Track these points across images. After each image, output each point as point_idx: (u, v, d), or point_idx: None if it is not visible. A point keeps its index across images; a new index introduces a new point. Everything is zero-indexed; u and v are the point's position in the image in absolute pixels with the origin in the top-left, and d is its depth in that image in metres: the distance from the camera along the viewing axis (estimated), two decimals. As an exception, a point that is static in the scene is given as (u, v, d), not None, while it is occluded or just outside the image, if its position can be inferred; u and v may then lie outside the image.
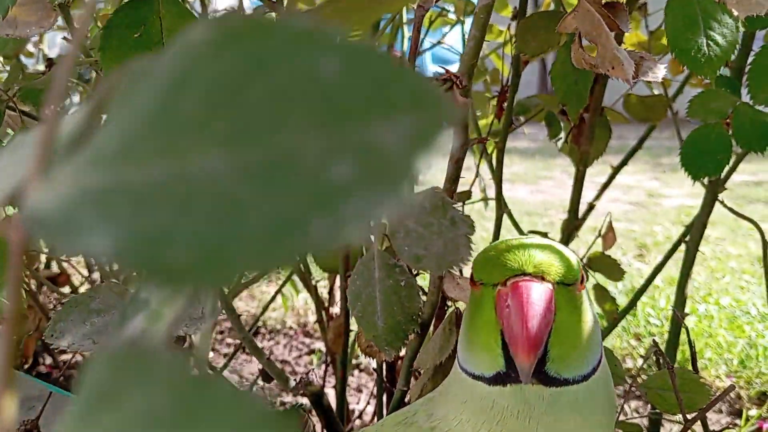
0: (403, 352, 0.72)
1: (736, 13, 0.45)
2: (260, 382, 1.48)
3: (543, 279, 0.40)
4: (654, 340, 0.58)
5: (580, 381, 0.42)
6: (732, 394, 1.47)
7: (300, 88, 0.12)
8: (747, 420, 1.37)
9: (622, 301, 1.53)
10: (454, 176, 0.53)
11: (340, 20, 0.28)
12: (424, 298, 0.45)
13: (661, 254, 2.51)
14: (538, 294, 0.40)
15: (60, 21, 0.59)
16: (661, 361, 0.61)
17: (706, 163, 0.71)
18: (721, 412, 1.43)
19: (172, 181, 0.12)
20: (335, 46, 0.12)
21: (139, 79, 0.14)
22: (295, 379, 0.76)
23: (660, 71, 0.45)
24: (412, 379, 0.67)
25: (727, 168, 0.86)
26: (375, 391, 0.96)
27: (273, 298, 1.22)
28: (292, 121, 0.11)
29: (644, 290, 0.87)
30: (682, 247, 0.87)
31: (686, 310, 1.02)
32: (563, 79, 0.65)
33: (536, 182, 4.30)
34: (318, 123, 0.11)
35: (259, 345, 1.74)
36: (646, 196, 3.80)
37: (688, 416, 0.57)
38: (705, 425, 0.69)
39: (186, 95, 0.13)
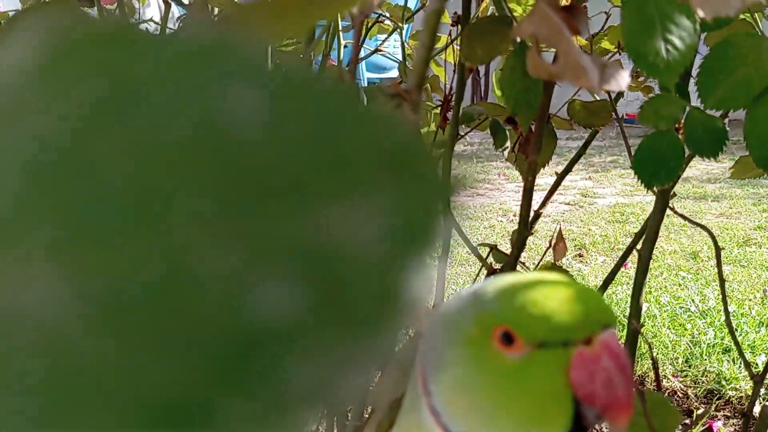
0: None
1: (701, 14, 0.42)
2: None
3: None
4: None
5: None
6: (680, 393, 1.48)
7: (188, 156, 0.06)
8: (696, 420, 1.38)
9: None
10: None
11: (268, 28, 0.23)
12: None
13: (599, 254, 2.54)
14: (625, 351, 0.35)
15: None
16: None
17: (659, 170, 0.69)
18: (669, 412, 1.44)
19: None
20: (257, 74, 0.07)
21: None
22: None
23: (624, 79, 0.41)
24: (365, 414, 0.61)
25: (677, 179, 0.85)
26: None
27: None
28: (177, 230, 0.06)
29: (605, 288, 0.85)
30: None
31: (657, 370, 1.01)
32: (512, 86, 0.61)
33: (473, 185, 4.32)
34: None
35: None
36: (580, 196, 3.88)
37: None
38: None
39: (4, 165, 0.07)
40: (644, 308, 1.96)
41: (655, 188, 0.74)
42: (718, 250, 0.77)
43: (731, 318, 0.77)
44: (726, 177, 4.27)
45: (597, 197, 3.83)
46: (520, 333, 0.34)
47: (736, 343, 0.73)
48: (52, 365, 0.06)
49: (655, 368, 0.60)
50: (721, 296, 0.80)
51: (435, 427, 0.38)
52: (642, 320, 1.78)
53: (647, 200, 3.72)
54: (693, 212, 3.26)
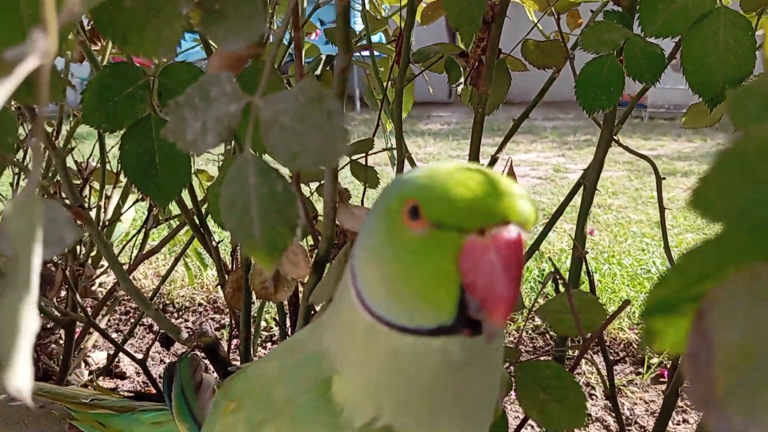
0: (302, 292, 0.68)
1: None
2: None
3: (523, 229, 0.35)
4: (553, 264, 0.57)
5: None
6: (634, 345, 1.53)
7: None
8: (649, 368, 1.42)
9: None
10: (339, 90, 0.50)
11: None
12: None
13: (567, 222, 2.58)
14: (519, 247, 0.34)
15: None
16: (559, 283, 0.60)
17: (600, 95, 0.71)
18: (625, 362, 1.48)
19: None
20: None
21: None
22: (188, 331, 0.71)
23: None
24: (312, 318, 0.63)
25: (624, 114, 0.88)
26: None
27: (174, 265, 1.16)
28: None
29: (548, 230, 0.87)
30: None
31: (591, 270, 1.04)
32: (455, 2, 0.63)
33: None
34: None
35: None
36: (552, 171, 3.92)
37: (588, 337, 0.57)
38: (604, 350, 0.70)
39: None
40: (605, 268, 2.00)
41: (598, 114, 0.76)
42: (658, 178, 0.79)
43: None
44: (696, 155, 4.35)
45: (569, 172, 3.88)
46: (424, 209, 0.35)
47: (672, 263, 0.76)
48: None
49: (590, 278, 0.62)
50: (661, 227, 0.83)
51: (359, 306, 0.40)
52: (602, 277, 1.82)
53: (617, 174, 3.77)
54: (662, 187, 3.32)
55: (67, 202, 0.70)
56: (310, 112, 0.37)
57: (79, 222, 0.64)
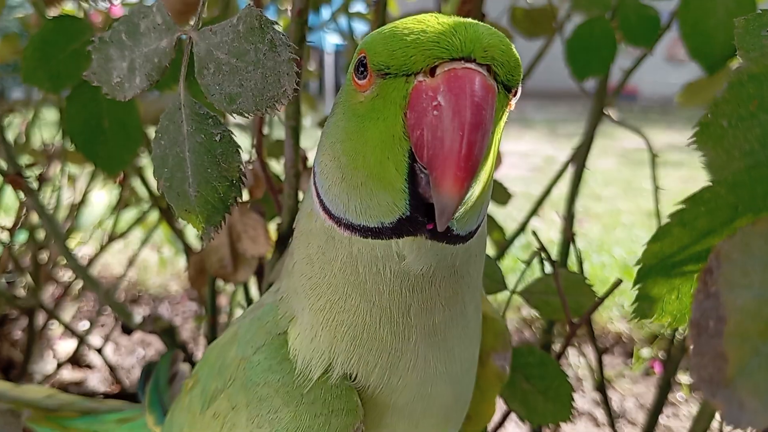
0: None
1: None
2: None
3: (489, 71, 0.27)
4: (539, 241, 0.52)
5: (467, 238, 0.32)
6: (624, 338, 1.48)
7: None
8: (638, 359, 1.38)
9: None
10: (297, 36, 0.45)
11: None
12: (245, 157, 0.36)
13: (556, 209, 2.55)
14: (483, 92, 0.26)
15: None
16: (545, 263, 0.55)
17: (591, 59, 0.66)
18: (614, 354, 1.44)
19: None
20: None
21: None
22: (143, 316, 0.66)
23: None
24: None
25: (616, 82, 0.82)
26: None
27: (143, 245, 1.10)
28: None
29: (535, 210, 0.82)
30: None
31: (580, 254, 0.99)
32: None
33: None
34: None
35: (141, 312, 1.60)
36: (543, 162, 3.88)
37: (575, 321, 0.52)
38: (593, 337, 0.65)
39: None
40: (596, 258, 1.96)
41: (588, 79, 0.71)
42: (652, 155, 0.75)
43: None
44: (688, 148, 4.32)
45: (559, 163, 3.84)
46: (369, 56, 0.29)
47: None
48: None
49: (578, 259, 0.57)
50: (654, 207, 0.78)
51: (318, 210, 0.33)
52: (592, 267, 1.78)
53: (608, 164, 3.74)
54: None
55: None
56: (250, 45, 0.32)
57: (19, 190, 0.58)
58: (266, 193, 0.57)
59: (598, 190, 3.06)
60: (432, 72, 0.27)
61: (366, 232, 0.31)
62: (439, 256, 0.31)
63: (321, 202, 0.33)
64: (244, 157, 0.39)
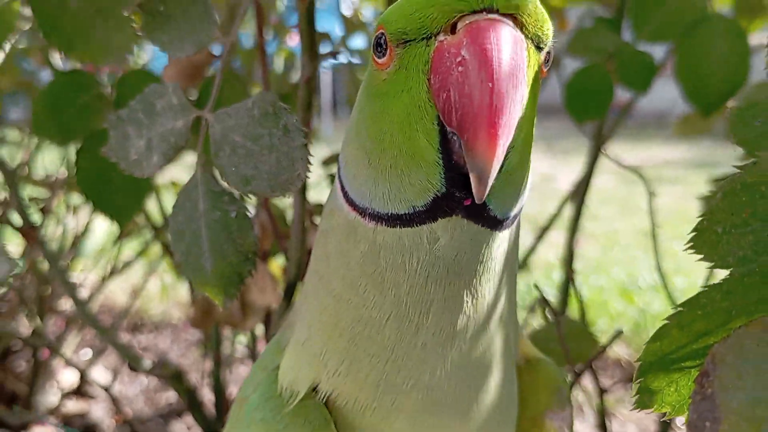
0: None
1: None
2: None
3: (515, 22, 0.26)
4: (539, 291, 0.53)
5: (504, 226, 0.30)
6: (623, 363, 1.49)
7: None
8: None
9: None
10: (305, 102, 0.46)
11: None
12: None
13: (554, 230, 2.56)
14: (510, 40, 0.25)
15: None
16: (547, 312, 0.56)
17: (589, 104, 0.68)
18: (612, 377, 1.45)
19: None
20: None
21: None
22: (153, 361, 0.66)
23: None
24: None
25: (613, 124, 0.84)
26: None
27: (147, 278, 1.11)
28: None
29: (529, 255, 0.84)
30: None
31: (578, 282, 1.00)
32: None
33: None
34: None
35: (143, 340, 1.60)
36: (540, 179, 3.90)
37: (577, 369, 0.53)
38: (596, 378, 0.66)
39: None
40: (594, 281, 1.97)
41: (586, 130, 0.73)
42: (650, 193, 0.76)
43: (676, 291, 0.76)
44: (684, 163, 4.35)
45: (556, 179, 3.86)
46: (387, 28, 0.28)
47: (665, 285, 0.73)
48: None
49: (580, 303, 0.58)
50: (653, 243, 0.79)
51: (342, 202, 0.32)
52: (590, 289, 1.79)
53: (605, 183, 3.76)
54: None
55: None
56: (265, 129, 0.33)
57: (29, 243, 0.59)
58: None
59: (595, 209, 3.08)
60: (453, 30, 0.26)
61: (394, 220, 0.29)
62: (474, 241, 0.29)
63: (345, 195, 0.31)
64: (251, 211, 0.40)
